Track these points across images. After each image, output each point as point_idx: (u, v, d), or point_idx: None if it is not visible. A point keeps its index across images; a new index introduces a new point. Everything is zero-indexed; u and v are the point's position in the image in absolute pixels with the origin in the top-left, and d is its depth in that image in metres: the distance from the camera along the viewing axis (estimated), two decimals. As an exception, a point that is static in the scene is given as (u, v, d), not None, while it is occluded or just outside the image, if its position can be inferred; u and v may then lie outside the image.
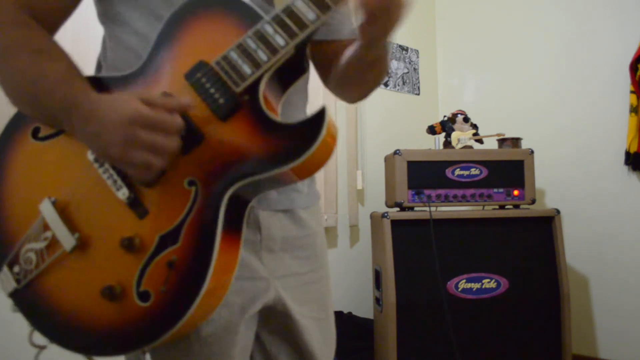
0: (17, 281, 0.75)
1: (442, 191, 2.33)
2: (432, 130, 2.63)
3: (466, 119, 2.58)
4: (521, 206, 2.38)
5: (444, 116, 2.64)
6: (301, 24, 0.68)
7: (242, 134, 0.69)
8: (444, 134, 2.59)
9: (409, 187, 2.31)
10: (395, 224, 2.23)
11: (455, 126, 2.57)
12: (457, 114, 2.59)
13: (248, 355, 0.84)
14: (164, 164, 0.66)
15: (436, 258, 2.14)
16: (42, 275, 0.74)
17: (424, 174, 2.33)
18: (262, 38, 0.69)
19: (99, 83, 0.75)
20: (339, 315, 2.58)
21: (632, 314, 2.51)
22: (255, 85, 0.69)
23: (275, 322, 0.87)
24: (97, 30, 0.89)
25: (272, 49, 0.69)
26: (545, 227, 2.30)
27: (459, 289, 2.21)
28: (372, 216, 2.45)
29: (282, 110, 0.77)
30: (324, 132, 0.65)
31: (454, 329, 2.09)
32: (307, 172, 0.70)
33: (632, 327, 2.51)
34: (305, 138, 0.65)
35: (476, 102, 3.24)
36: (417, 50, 3.35)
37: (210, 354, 0.78)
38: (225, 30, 0.72)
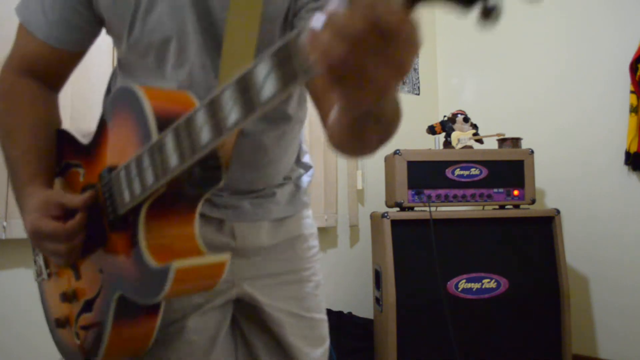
0: (37, 275, 0.94)
1: (442, 191, 2.33)
2: (432, 130, 2.63)
3: (466, 119, 2.58)
4: (521, 206, 2.38)
5: (444, 116, 2.64)
6: (165, 168, 0.61)
7: (124, 253, 0.70)
8: (444, 134, 2.59)
9: (409, 187, 2.31)
10: (395, 224, 2.23)
11: (455, 126, 2.57)
12: (457, 114, 2.59)
13: (219, 340, 0.87)
14: (67, 260, 0.77)
15: (436, 258, 2.14)
16: (42, 282, 0.93)
17: (424, 174, 2.33)
18: (139, 167, 0.65)
19: (68, 145, 0.86)
20: (339, 315, 2.58)
21: (632, 314, 2.51)
22: (138, 208, 0.67)
23: (248, 312, 0.90)
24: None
25: (144, 185, 0.64)
26: (545, 227, 2.29)
27: (459, 289, 2.21)
28: (372, 216, 2.45)
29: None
30: (166, 288, 0.63)
31: (454, 329, 2.09)
32: (187, 294, 0.74)
33: (632, 327, 2.51)
34: (154, 287, 0.65)
35: (476, 102, 3.24)
36: (417, 50, 3.35)
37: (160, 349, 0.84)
38: (133, 139, 0.69)
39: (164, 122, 0.64)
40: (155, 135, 0.64)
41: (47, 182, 0.84)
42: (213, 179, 0.69)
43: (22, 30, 0.86)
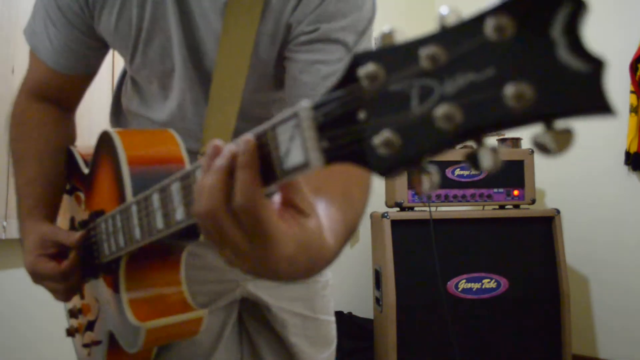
0: None
1: (442, 191, 2.33)
2: (432, 130, 2.63)
3: (466, 119, 2.58)
4: (521, 206, 2.38)
5: (444, 116, 2.63)
6: (131, 237, 0.60)
7: (111, 295, 0.71)
8: (444, 134, 2.59)
9: (409, 187, 2.31)
10: (395, 224, 2.23)
11: (455, 126, 2.57)
12: (457, 114, 2.59)
13: (224, 340, 0.87)
14: (66, 297, 0.80)
15: (436, 258, 2.14)
16: None
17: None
18: (114, 226, 0.64)
19: (74, 167, 0.87)
20: (339, 315, 2.58)
21: (632, 314, 2.51)
22: (119, 259, 0.67)
23: (253, 311, 0.90)
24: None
25: (117, 245, 0.64)
26: (545, 227, 2.29)
27: (459, 289, 2.21)
28: (372, 216, 2.45)
29: None
30: (139, 344, 0.65)
31: (454, 329, 2.09)
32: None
33: (632, 327, 2.51)
34: (131, 339, 0.66)
35: (476, 102, 3.24)
36: (417, 50, 3.35)
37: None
38: (114, 191, 0.69)
39: (140, 181, 0.64)
40: (129, 197, 0.64)
41: (46, 215, 0.85)
42: (191, 234, 0.68)
43: (33, 56, 0.86)
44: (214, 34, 0.74)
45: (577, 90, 0.24)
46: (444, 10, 0.28)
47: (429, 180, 0.31)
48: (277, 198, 0.43)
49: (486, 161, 0.28)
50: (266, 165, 0.39)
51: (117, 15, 0.76)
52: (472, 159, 0.28)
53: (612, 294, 2.59)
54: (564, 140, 0.25)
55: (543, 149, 0.26)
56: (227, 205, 0.39)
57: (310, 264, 0.44)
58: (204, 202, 0.40)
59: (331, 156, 0.34)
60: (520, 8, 0.25)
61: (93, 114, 1.92)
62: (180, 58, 0.77)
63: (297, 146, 0.35)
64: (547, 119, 0.25)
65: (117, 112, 0.96)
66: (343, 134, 0.33)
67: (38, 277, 0.78)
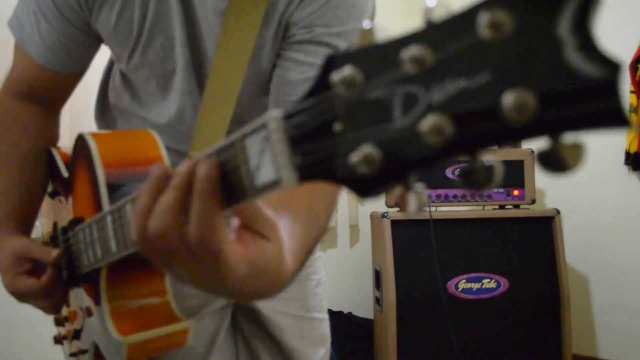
0: None
1: (442, 191, 2.33)
2: (432, 130, 2.63)
3: (466, 119, 2.58)
4: (521, 206, 2.38)
5: (444, 116, 2.63)
6: (107, 249, 0.56)
7: (93, 305, 0.69)
8: (444, 134, 2.59)
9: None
10: (395, 224, 2.23)
11: (455, 126, 2.57)
12: (457, 114, 2.59)
13: (217, 345, 0.85)
14: (54, 312, 0.78)
15: (436, 258, 2.14)
16: None
17: (424, 174, 2.32)
18: (91, 235, 0.61)
19: (55, 170, 0.83)
20: (339, 315, 2.58)
21: (632, 314, 2.51)
22: (99, 269, 0.64)
23: (248, 314, 0.88)
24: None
25: (95, 257, 0.60)
26: (545, 227, 2.29)
27: (459, 289, 2.21)
28: (372, 216, 2.45)
29: None
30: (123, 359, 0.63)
31: (454, 329, 2.09)
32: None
33: (632, 327, 2.51)
34: (114, 353, 0.65)
35: (476, 102, 3.24)
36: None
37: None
38: (92, 198, 0.66)
39: (118, 187, 0.62)
40: (105, 206, 0.61)
41: (20, 226, 0.82)
42: None
43: (19, 50, 0.82)
44: (215, 37, 0.73)
45: (589, 99, 0.21)
46: (430, 1, 0.24)
47: (417, 200, 0.28)
48: (236, 221, 0.42)
49: (481, 180, 0.25)
50: (234, 181, 0.35)
51: (117, 14, 0.73)
52: (465, 176, 0.25)
53: (612, 294, 2.59)
54: (573, 156, 0.23)
55: (549, 166, 0.23)
56: (182, 229, 0.38)
57: (264, 287, 0.43)
58: (157, 222, 0.39)
59: (305, 174, 0.31)
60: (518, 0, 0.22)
61: (92, 114, 1.91)
62: (182, 60, 0.75)
63: (267, 161, 0.32)
64: (552, 132, 0.22)
65: (103, 108, 0.93)
66: (317, 149, 0.29)
67: (21, 297, 0.75)
